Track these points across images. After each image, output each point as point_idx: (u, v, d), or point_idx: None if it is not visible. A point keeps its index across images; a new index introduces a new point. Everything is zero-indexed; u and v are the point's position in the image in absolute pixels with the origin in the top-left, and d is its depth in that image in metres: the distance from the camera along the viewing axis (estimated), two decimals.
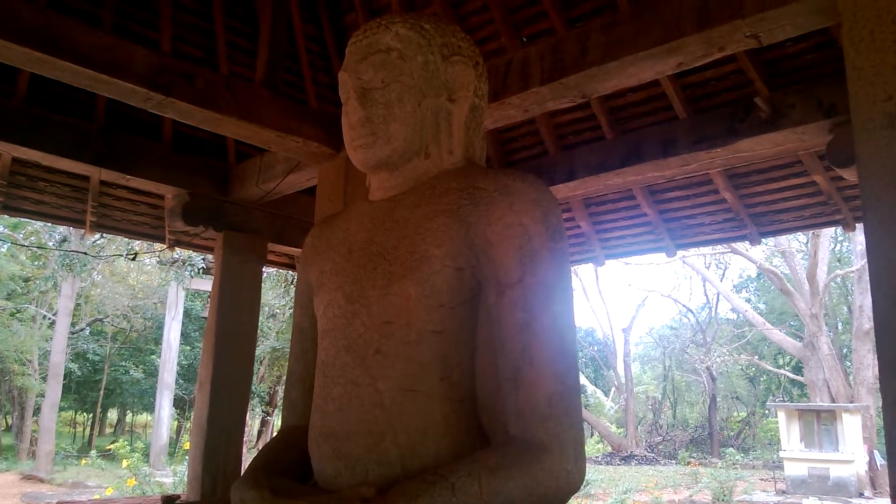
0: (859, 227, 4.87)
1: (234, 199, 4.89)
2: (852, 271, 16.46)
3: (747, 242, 5.35)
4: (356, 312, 1.70)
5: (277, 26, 4.07)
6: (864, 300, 15.67)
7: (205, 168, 4.90)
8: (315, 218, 4.14)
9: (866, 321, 15.57)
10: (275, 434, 2.09)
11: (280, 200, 5.06)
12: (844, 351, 20.65)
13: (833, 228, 17.51)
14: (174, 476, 12.39)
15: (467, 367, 1.66)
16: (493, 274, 1.62)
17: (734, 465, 16.51)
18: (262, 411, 17.91)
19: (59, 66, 2.92)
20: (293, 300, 2.23)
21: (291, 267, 7.06)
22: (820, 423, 14.25)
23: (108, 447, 17.57)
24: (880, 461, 14.21)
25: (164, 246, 5.81)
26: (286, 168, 4.43)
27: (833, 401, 15.43)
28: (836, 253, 20.89)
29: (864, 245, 2.29)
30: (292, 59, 5.15)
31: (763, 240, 5.32)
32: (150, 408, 24.35)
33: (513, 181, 1.72)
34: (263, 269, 5.24)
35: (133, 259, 7.10)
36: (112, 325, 23.53)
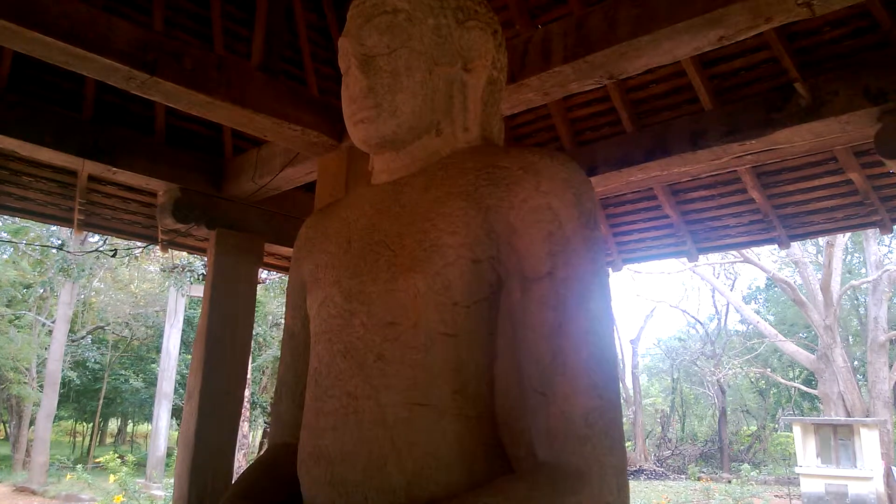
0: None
1: (229, 195, 4.59)
2: (868, 282, 16.08)
3: (775, 245, 5.03)
4: (354, 311, 1.47)
5: (275, 8, 3.77)
6: (879, 311, 15.26)
7: (198, 163, 4.60)
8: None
9: (881, 333, 15.16)
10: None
11: (277, 197, 4.76)
12: (855, 363, 20.22)
13: (846, 238, 17.24)
14: (166, 490, 12.01)
15: (485, 377, 1.41)
16: (517, 266, 1.39)
17: (748, 480, 16.08)
18: (265, 422, 17.55)
19: (27, 37, 2.62)
20: (285, 303, 1.94)
21: (287, 270, 6.76)
22: (837, 437, 13.82)
23: (98, 460, 17.20)
24: None
25: (158, 247, 5.52)
26: (284, 161, 4.12)
27: (848, 414, 15.01)
28: (847, 264, 20.51)
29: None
30: (294, 49, 4.87)
31: (792, 243, 5.00)
32: (149, 418, 24.05)
33: (539, 158, 1.47)
34: (262, 273, 4.92)
35: (113, 255, 6.80)
36: (113, 332, 23.25)
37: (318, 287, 1.61)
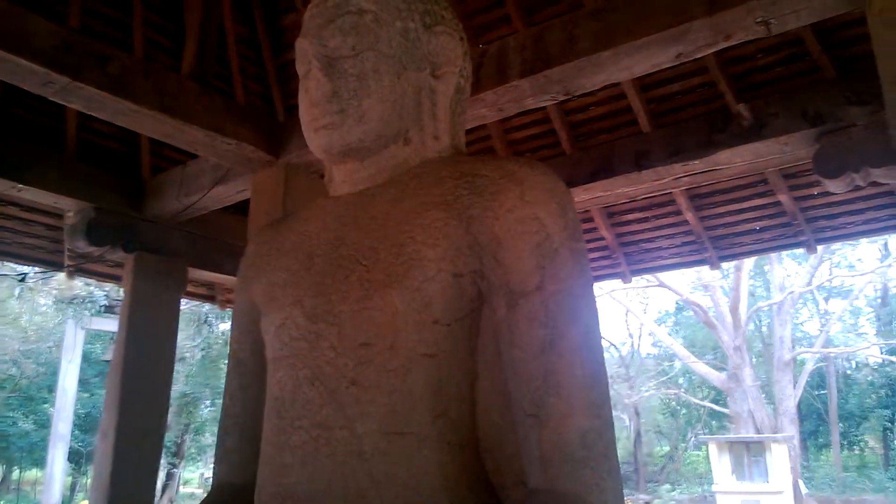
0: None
1: (149, 216, 4.24)
2: (773, 303, 16.97)
3: (706, 266, 5.14)
4: (322, 333, 1.34)
5: (207, 17, 3.54)
6: (783, 331, 16.10)
7: (113, 181, 4.25)
8: (249, 235, 3.57)
9: (787, 352, 15.99)
10: (204, 494, 1.60)
11: (201, 219, 4.45)
12: (759, 382, 21.23)
13: (751, 262, 18.13)
14: None
15: (466, 400, 1.31)
16: (502, 280, 1.29)
17: (669, 501, 16.44)
18: (169, 463, 16.54)
19: None
20: (230, 327, 1.76)
21: (210, 299, 6.36)
22: (750, 454, 14.40)
23: None
24: (805, 491, 14.45)
25: (62, 274, 5.04)
26: (214, 178, 3.85)
27: (758, 431, 15.69)
28: (749, 287, 21.65)
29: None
30: (221, 63, 4.60)
31: (722, 264, 5.12)
32: (40, 463, 22.16)
33: (520, 167, 1.40)
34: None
35: (22, 280, 6.20)
36: None
37: (274, 308, 1.46)
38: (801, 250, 4.81)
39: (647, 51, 2.56)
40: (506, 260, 1.27)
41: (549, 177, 1.38)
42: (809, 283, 18.05)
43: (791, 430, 15.61)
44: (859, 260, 21.61)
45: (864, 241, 15.57)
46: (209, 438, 23.41)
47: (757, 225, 4.76)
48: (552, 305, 1.24)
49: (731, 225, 4.82)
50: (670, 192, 4.59)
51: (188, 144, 3.29)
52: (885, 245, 19.76)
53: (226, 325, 20.76)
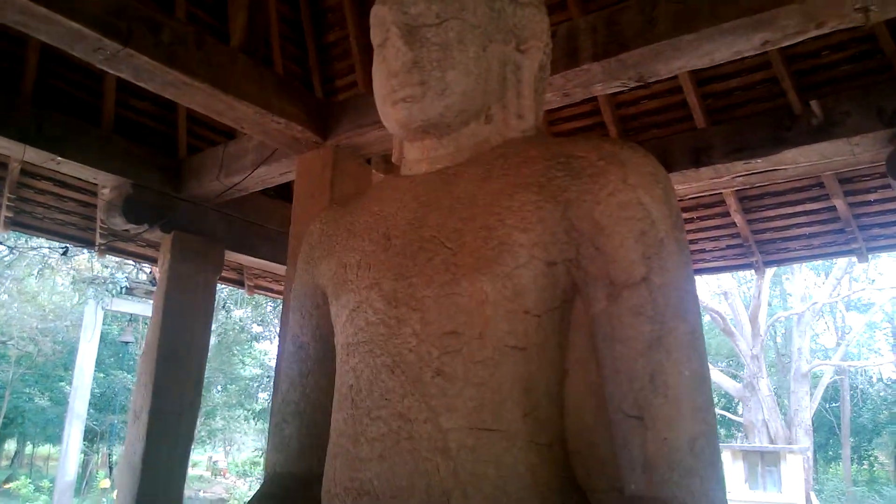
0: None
1: (187, 195, 4.15)
2: (794, 314, 16.77)
3: (752, 272, 5.00)
4: (403, 319, 1.26)
5: None
6: (802, 342, 15.89)
7: (152, 158, 4.16)
8: (294, 218, 3.47)
9: (805, 363, 15.79)
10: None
11: (238, 202, 4.36)
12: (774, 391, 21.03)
13: (772, 271, 17.89)
14: None
15: (555, 398, 1.24)
16: (602, 270, 1.21)
17: None
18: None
19: None
20: (290, 310, 1.66)
21: (238, 283, 6.28)
22: (764, 464, 14.25)
23: (4, 484, 15.66)
24: None
25: (86, 253, 4.97)
26: (256, 160, 3.75)
27: (772, 442, 15.52)
28: (770, 297, 21.43)
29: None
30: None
31: (767, 269, 4.98)
32: (53, 439, 22.28)
33: (620, 149, 1.30)
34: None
35: (64, 254, 6.15)
36: (17, 348, 21.53)
37: (346, 291, 1.38)
38: (853, 258, 4.63)
39: (731, 36, 2.42)
40: (607, 248, 1.19)
41: (651, 160, 1.30)
42: (834, 294, 17.81)
43: (806, 441, 15.43)
44: (880, 274, 21.33)
45: None
46: (219, 422, 23.48)
47: (807, 230, 4.62)
48: (660, 299, 1.16)
49: (780, 229, 4.67)
50: (720, 193, 4.45)
51: (235, 121, 3.18)
52: None
53: (241, 312, 20.80)
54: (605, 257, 1.19)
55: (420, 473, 1.14)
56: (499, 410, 1.16)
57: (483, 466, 1.13)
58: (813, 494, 15.17)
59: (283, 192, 4.97)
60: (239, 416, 23.61)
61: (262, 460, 23.75)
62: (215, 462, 25.02)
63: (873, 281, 21.20)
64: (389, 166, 3.89)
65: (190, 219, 4.12)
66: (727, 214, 4.63)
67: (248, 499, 1.52)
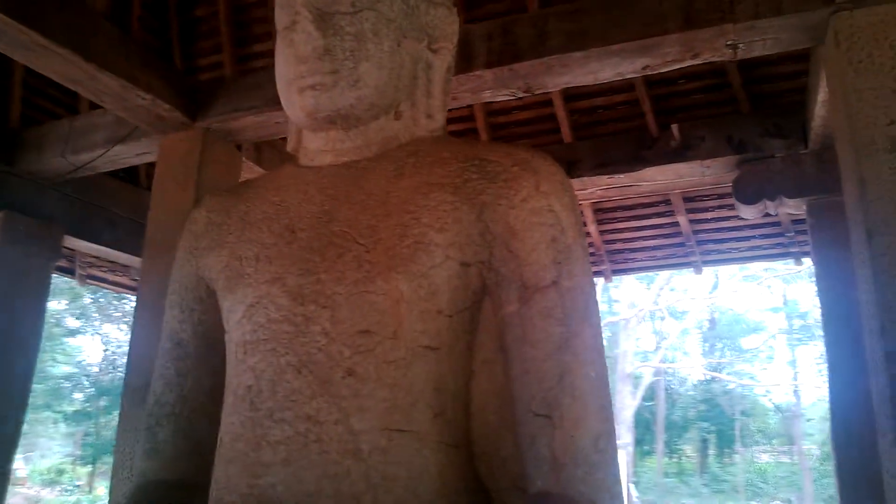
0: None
1: (23, 171, 3.69)
2: (623, 319, 18.18)
3: (601, 279, 5.34)
4: (311, 316, 1.21)
5: None
6: (627, 346, 17.24)
7: None
8: (154, 203, 3.20)
9: (629, 365, 17.13)
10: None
11: (77, 182, 3.94)
12: None
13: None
14: None
15: (462, 399, 1.25)
16: (515, 272, 1.23)
17: None
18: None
19: None
20: (166, 304, 1.53)
21: (68, 272, 5.68)
22: None
23: None
24: (636, 495, 15.56)
25: None
26: (110, 137, 3.41)
27: None
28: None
29: (815, 279, 2.11)
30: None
31: (614, 277, 5.34)
32: None
33: (533, 157, 1.35)
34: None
35: None
36: None
37: (243, 285, 1.30)
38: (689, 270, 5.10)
39: (617, 58, 2.57)
40: (520, 251, 1.21)
41: (560, 169, 1.35)
42: (659, 302, 19.49)
43: (628, 437, 16.76)
44: (685, 290, 23.65)
45: (747, 265, 17.02)
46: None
47: (652, 243, 5.01)
48: (568, 302, 1.19)
49: (629, 240, 5.04)
50: (580, 204, 4.72)
51: (95, 93, 2.87)
52: (717, 275, 21.84)
53: (55, 303, 18.94)
54: (518, 260, 1.20)
55: (329, 477, 1.10)
56: (410, 411, 1.15)
57: (395, 468, 1.11)
58: (632, 486, 16.49)
59: (132, 175, 4.58)
60: (46, 419, 21.41)
61: (70, 467, 21.75)
62: (14, 469, 22.54)
63: (686, 291, 23.48)
64: (261, 154, 3.71)
65: (24, 197, 3.66)
66: (584, 225, 4.90)
67: None
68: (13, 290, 3.52)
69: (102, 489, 20.34)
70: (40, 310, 3.68)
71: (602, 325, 1.28)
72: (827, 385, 3.35)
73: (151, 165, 3.63)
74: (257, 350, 1.21)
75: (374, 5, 1.34)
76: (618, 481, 1.16)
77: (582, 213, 1.37)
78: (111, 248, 4.31)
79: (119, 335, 23.86)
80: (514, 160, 1.28)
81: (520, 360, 1.19)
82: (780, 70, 3.48)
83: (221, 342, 1.38)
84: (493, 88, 2.76)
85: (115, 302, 21.38)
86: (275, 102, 2.99)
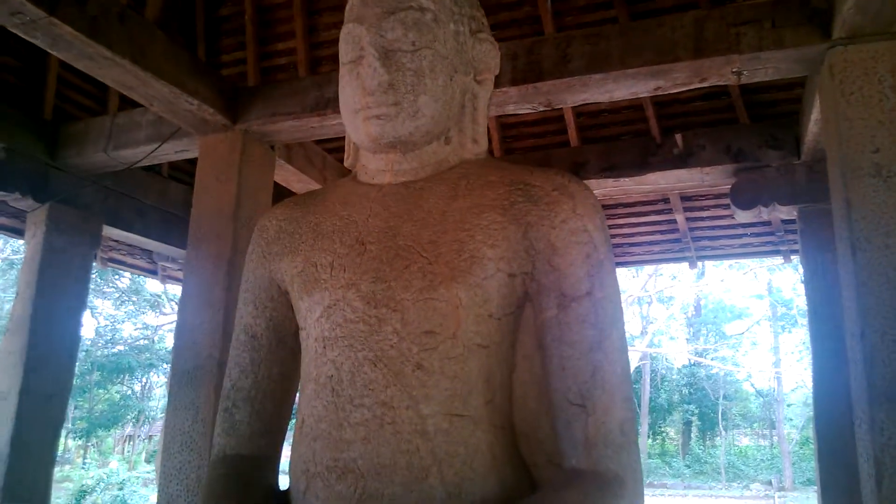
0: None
1: (65, 165, 3.90)
2: None
3: None
4: (383, 318, 1.40)
5: None
6: None
7: (25, 120, 3.85)
8: (196, 199, 3.43)
9: None
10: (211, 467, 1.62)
11: (115, 175, 4.15)
12: None
13: None
14: None
15: (507, 388, 1.45)
16: (555, 283, 1.43)
17: None
18: None
19: None
20: (240, 300, 1.75)
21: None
22: None
23: None
24: None
25: None
26: (152, 136, 3.63)
27: None
28: None
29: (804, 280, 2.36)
30: None
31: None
32: None
33: (569, 182, 1.53)
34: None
35: None
36: None
37: (320, 289, 1.48)
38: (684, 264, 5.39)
39: (632, 80, 2.82)
40: (560, 266, 1.40)
41: (591, 193, 1.54)
42: (648, 288, 19.79)
43: None
44: (672, 277, 24.06)
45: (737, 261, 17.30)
46: None
47: (650, 238, 5.29)
48: (600, 310, 1.39)
49: (628, 235, 5.31)
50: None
51: (146, 98, 3.09)
52: (703, 266, 22.24)
53: None
54: (557, 273, 1.40)
55: (402, 453, 1.29)
56: (467, 399, 1.34)
57: (455, 446, 1.31)
58: None
59: (155, 166, 4.80)
60: None
61: (61, 441, 21.76)
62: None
63: (675, 277, 23.92)
64: (291, 153, 3.94)
65: (67, 190, 3.87)
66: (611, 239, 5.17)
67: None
68: (59, 277, 3.74)
69: (115, 463, 20.59)
70: (83, 295, 3.91)
71: (625, 327, 1.54)
72: (810, 374, 3.64)
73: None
74: (336, 345, 1.39)
75: (432, 44, 1.49)
76: (639, 460, 1.37)
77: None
78: (141, 235, 4.53)
79: (111, 310, 23.98)
80: (553, 185, 1.49)
81: (558, 358, 1.37)
82: (777, 87, 3.74)
83: (289, 336, 1.59)
84: (517, 103, 3.00)
85: (108, 278, 21.45)
86: (311, 109, 3.28)
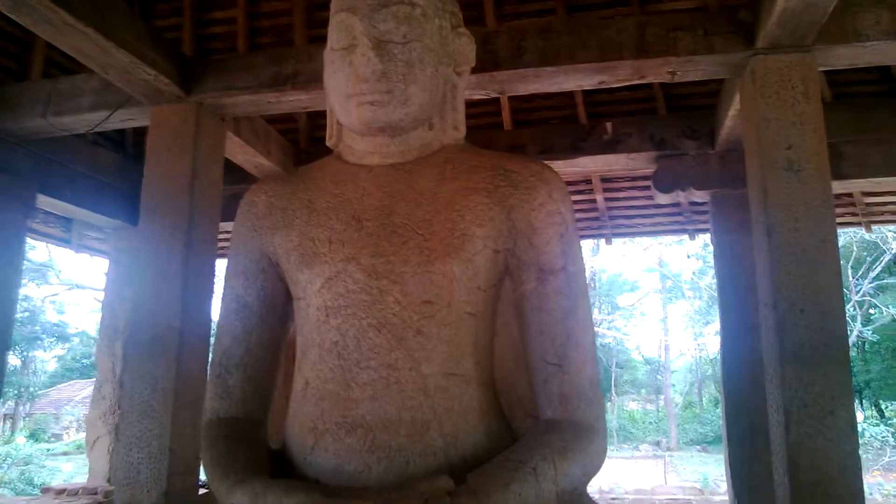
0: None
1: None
2: None
3: None
4: (385, 289, 1.55)
5: None
6: None
7: None
8: (148, 169, 3.41)
9: None
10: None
11: (48, 141, 4.02)
12: None
13: None
14: None
15: (489, 351, 1.65)
16: (533, 259, 1.63)
17: None
18: None
19: None
20: (227, 273, 1.82)
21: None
22: None
23: None
24: None
25: None
26: (96, 103, 3.56)
27: None
28: None
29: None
30: None
31: None
32: None
33: (542, 168, 1.75)
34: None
35: None
36: None
37: (319, 262, 1.62)
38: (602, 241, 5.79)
39: (580, 74, 3.08)
40: (538, 244, 1.61)
41: (561, 178, 1.76)
42: None
43: None
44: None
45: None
46: None
47: None
48: (573, 283, 1.62)
49: None
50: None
51: (102, 67, 3.04)
52: (598, 243, 23.40)
53: None
54: (536, 250, 1.61)
55: (406, 409, 1.46)
56: (460, 360, 1.53)
57: (451, 402, 1.49)
58: None
59: (99, 137, 4.68)
60: None
61: None
62: None
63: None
64: (239, 127, 3.96)
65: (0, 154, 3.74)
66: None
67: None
68: None
69: (21, 438, 19.48)
70: (16, 265, 3.79)
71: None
72: (719, 340, 4.09)
73: None
74: (339, 314, 1.53)
75: (421, 38, 1.64)
76: (604, 413, 1.61)
77: None
78: (71, 203, 4.41)
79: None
80: (530, 171, 1.66)
81: (537, 324, 1.59)
82: (694, 82, 4.13)
83: (279, 305, 1.71)
84: (472, 89, 3.20)
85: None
86: (268, 85, 3.33)
